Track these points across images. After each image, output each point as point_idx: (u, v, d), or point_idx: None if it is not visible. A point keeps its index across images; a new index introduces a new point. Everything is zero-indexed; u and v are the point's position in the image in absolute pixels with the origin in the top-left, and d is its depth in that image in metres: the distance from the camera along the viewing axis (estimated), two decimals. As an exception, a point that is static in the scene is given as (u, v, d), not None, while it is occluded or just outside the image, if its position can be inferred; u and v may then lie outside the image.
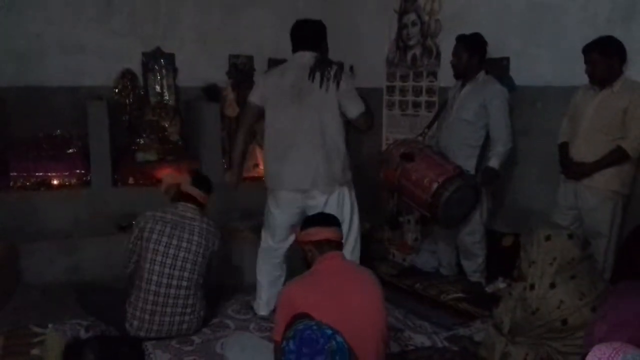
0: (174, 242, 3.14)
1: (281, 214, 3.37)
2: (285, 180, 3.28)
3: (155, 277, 3.09)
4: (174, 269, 3.11)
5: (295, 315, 2.09)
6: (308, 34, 3.29)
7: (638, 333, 1.77)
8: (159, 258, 3.11)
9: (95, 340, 2.94)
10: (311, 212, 3.26)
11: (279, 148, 3.28)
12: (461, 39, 3.76)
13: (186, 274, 3.13)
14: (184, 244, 3.15)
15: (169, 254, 3.12)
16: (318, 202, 3.27)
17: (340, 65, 3.29)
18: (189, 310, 3.16)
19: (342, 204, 3.32)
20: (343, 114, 3.24)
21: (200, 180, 3.40)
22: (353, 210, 3.39)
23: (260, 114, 3.39)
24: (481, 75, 3.75)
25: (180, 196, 3.33)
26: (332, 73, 3.16)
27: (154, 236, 3.13)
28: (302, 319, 2.04)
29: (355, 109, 3.23)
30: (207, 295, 3.33)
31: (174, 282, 3.11)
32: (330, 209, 3.23)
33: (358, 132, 3.57)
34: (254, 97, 3.38)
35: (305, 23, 3.32)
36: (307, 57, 3.23)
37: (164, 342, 3.09)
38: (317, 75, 3.16)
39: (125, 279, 3.35)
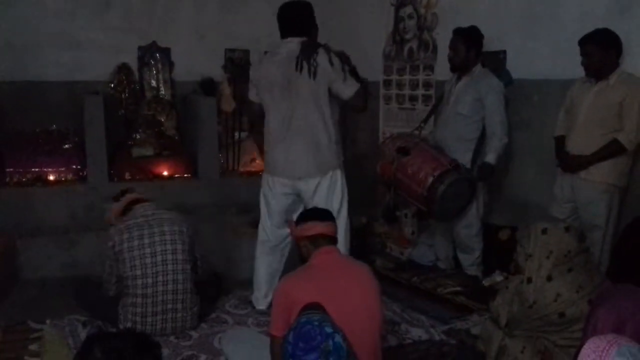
0: (146, 240, 3.08)
1: (275, 198, 3.38)
2: (279, 169, 3.31)
3: (139, 281, 3.06)
4: (155, 267, 3.06)
5: (307, 305, 2.07)
6: (295, 19, 3.21)
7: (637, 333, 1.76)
8: (137, 262, 3.06)
9: (102, 339, 2.92)
10: (303, 196, 3.31)
11: (273, 139, 3.30)
12: (458, 32, 3.75)
13: (170, 267, 3.10)
14: (157, 238, 3.10)
15: (146, 254, 3.06)
16: (309, 187, 3.25)
17: (327, 48, 3.17)
18: (179, 306, 3.13)
19: (333, 189, 3.28)
20: (337, 96, 3.19)
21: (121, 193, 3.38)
22: (343, 197, 3.34)
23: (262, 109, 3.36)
24: (477, 68, 3.74)
25: (130, 206, 3.27)
26: (317, 60, 3.08)
27: (125, 245, 3.07)
28: (311, 310, 2.02)
29: (348, 90, 3.14)
30: (199, 290, 3.29)
31: (160, 279, 3.07)
32: (321, 194, 3.24)
33: (353, 111, 3.51)
34: (252, 95, 3.39)
35: (291, 6, 3.23)
36: (294, 45, 3.16)
37: (162, 337, 3.08)
38: (305, 65, 3.08)
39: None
